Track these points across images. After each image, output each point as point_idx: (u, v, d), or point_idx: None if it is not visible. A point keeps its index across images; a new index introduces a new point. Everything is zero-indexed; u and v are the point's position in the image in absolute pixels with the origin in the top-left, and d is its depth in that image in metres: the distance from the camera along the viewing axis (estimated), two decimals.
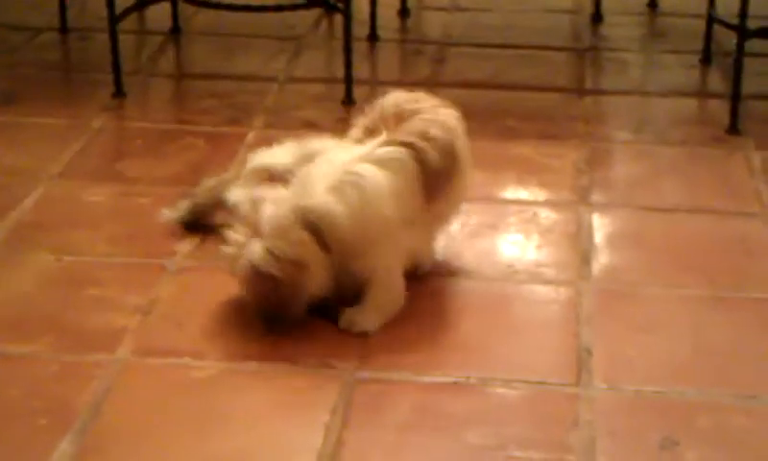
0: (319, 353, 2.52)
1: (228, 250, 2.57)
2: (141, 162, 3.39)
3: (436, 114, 2.65)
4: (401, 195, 2.55)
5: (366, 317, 2.59)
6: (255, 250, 2.50)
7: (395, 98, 2.68)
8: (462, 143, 2.70)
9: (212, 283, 2.76)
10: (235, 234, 2.55)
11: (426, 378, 2.45)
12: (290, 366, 2.49)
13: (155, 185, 3.22)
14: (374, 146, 2.57)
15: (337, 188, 2.51)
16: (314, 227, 2.50)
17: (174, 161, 3.38)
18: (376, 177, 2.52)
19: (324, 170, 2.54)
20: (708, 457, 2.24)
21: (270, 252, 2.50)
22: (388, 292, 2.60)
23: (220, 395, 2.40)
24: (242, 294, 2.60)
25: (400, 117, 2.61)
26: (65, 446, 2.24)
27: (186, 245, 2.93)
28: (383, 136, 2.58)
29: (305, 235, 2.49)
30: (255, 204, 2.57)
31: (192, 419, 2.33)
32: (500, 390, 2.43)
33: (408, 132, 2.60)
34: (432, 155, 2.58)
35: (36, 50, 4.23)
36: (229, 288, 2.68)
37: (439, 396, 2.40)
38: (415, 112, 2.63)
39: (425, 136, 2.59)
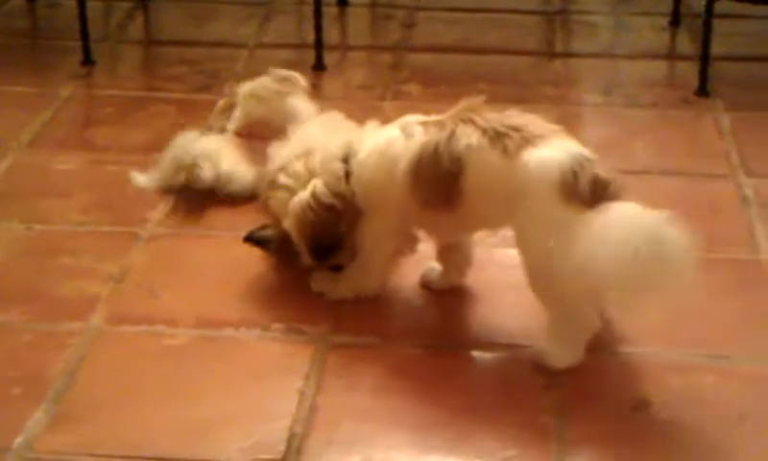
0: (291, 319, 2.52)
1: (280, 193, 2.56)
2: (111, 130, 3.37)
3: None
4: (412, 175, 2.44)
5: (336, 286, 2.59)
6: (316, 185, 2.50)
7: None
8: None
9: (185, 251, 2.77)
10: (286, 179, 2.55)
11: (398, 343, 2.46)
12: (263, 332, 2.49)
13: (125, 153, 3.20)
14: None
15: (373, 151, 2.49)
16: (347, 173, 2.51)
17: (144, 129, 3.37)
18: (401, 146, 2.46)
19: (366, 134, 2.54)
20: (680, 417, 2.25)
21: (327, 186, 2.49)
22: (365, 271, 2.57)
23: (193, 362, 2.40)
24: (294, 232, 2.56)
25: None
26: (39, 415, 2.24)
27: (158, 212, 2.92)
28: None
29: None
30: (303, 154, 2.57)
31: (166, 386, 2.33)
32: (474, 353, 2.44)
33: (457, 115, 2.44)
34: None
35: (3, 18, 4.20)
36: (202, 255, 2.68)
37: (411, 360, 2.41)
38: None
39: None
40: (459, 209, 2.40)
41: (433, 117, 2.46)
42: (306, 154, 2.57)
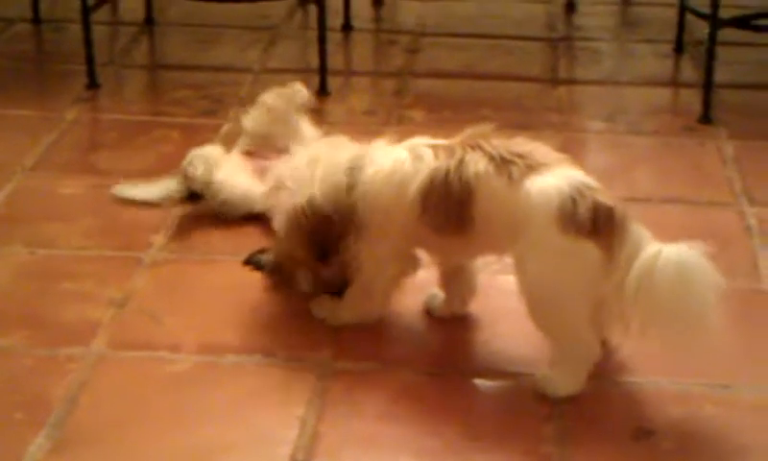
0: (293, 345, 2.52)
1: (282, 193, 2.57)
2: (115, 154, 3.38)
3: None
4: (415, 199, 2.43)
5: (338, 311, 2.59)
6: (314, 193, 2.50)
7: None
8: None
9: (187, 276, 2.77)
10: (291, 182, 2.56)
11: (400, 369, 2.46)
12: (265, 358, 2.49)
13: (129, 178, 3.20)
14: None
15: (381, 171, 2.48)
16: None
17: (148, 153, 3.37)
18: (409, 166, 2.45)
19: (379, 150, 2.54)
20: (681, 447, 2.25)
21: (325, 196, 2.49)
22: (367, 295, 2.56)
23: (195, 388, 2.40)
24: (283, 232, 2.57)
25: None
26: (41, 440, 2.24)
27: (161, 237, 2.92)
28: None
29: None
30: (311, 160, 2.57)
31: (167, 413, 2.33)
32: (475, 380, 2.44)
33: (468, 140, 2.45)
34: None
35: (8, 41, 4.22)
36: (205, 280, 2.68)
37: (413, 387, 2.40)
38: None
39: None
40: (468, 235, 2.40)
41: (441, 141, 2.47)
42: (314, 161, 2.57)
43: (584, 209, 2.28)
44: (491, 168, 2.36)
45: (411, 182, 2.42)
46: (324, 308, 2.61)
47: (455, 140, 2.45)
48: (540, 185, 2.31)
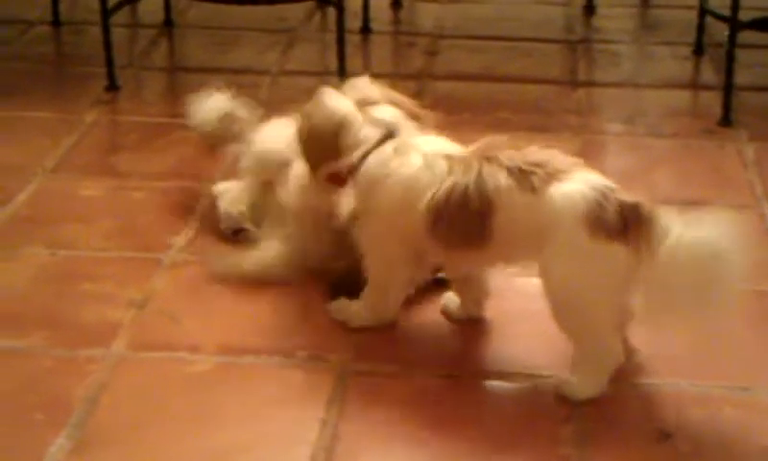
0: (313, 346, 2.53)
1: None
2: (135, 156, 3.39)
3: None
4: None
5: (355, 313, 2.59)
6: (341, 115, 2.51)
7: None
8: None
9: (207, 277, 2.77)
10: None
11: (419, 372, 2.46)
12: (285, 359, 2.49)
13: (148, 179, 3.22)
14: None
15: (397, 178, 2.45)
16: None
17: (167, 155, 3.38)
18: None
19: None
20: (700, 449, 2.25)
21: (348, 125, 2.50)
22: (381, 297, 2.56)
23: (215, 389, 2.41)
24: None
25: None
26: (62, 441, 2.25)
27: (181, 239, 2.93)
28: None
29: None
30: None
31: (188, 413, 2.34)
32: (493, 382, 2.44)
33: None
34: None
35: (28, 44, 4.23)
36: (224, 282, 2.69)
37: (432, 389, 2.41)
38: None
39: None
40: (483, 248, 2.40)
41: (456, 150, 2.46)
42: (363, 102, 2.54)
43: (611, 211, 2.28)
44: (511, 180, 2.35)
45: (423, 196, 2.40)
46: (341, 311, 2.61)
47: (469, 151, 2.45)
48: (564, 192, 2.31)
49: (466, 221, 2.37)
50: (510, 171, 2.36)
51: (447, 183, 2.38)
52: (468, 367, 2.48)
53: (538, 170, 2.34)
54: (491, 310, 2.64)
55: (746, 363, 2.49)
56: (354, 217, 2.51)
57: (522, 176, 2.35)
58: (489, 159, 2.38)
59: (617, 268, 2.29)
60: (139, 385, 2.43)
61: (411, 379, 2.44)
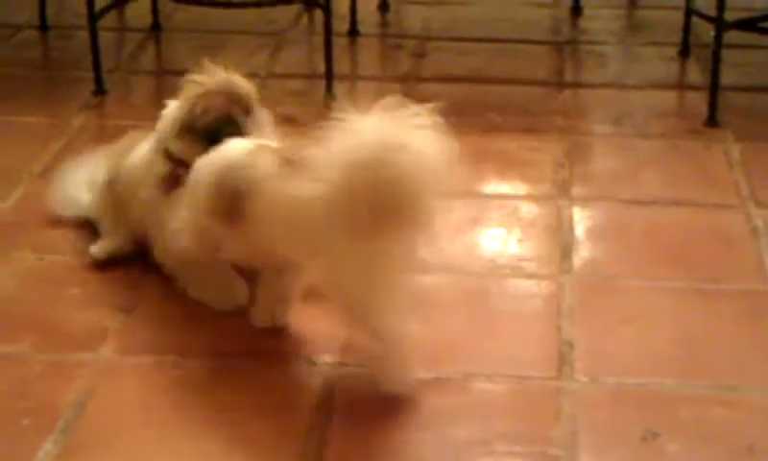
0: (299, 351, 2.53)
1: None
2: None
3: None
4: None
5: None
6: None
7: None
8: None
9: None
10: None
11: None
12: (272, 363, 2.49)
13: None
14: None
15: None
16: None
17: None
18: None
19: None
20: (688, 449, 2.25)
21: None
22: None
23: (203, 393, 2.41)
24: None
25: None
26: (49, 446, 2.25)
27: None
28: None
29: None
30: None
31: (175, 418, 2.34)
32: (483, 385, 2.44)
33: None
34: None
35: (15, 48, 4.23)
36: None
37: (422, 391, 2.41)
38: None
39: None
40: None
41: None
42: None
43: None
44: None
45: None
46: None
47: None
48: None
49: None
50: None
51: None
52: (455, 368, 2.48)
53: None
54: (478, 311, 2.65)
55: (733, 362, 2.50)
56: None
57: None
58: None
59: None
60: (127, 390, 2.43)
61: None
